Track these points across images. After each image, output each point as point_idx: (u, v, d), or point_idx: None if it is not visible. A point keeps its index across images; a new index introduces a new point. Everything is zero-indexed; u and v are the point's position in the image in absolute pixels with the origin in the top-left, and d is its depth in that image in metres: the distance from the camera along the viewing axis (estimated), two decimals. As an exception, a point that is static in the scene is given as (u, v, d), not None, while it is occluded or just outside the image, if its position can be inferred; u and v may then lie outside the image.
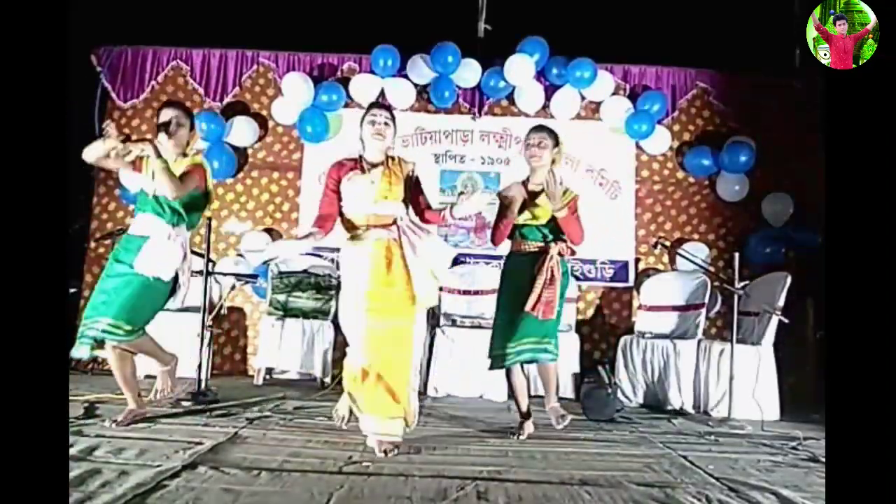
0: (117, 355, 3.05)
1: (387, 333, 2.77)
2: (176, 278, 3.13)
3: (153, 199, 3.09)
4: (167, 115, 3.15)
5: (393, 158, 3.01)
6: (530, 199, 3.29)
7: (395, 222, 2.90)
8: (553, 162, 3.28)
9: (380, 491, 2.13)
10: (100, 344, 2.97)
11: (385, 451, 2.65)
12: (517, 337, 3.20)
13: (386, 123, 2.93)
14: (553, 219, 3.22)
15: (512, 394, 3.42)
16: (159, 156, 2.95)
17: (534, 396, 3.63)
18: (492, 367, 3.32)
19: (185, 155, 3.21)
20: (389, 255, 2.84)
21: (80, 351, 2.94)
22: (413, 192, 3.03)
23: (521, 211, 3.28)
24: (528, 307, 3.13)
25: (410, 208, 3.02)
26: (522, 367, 3.35)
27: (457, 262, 5.69)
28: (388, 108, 3.01)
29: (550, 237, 3.25)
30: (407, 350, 2.82)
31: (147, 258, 3.02)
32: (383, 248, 2.84)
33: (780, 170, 5.82)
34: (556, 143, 3.30)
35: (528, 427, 3.24)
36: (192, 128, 3.24)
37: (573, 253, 3.30)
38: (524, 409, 3.32)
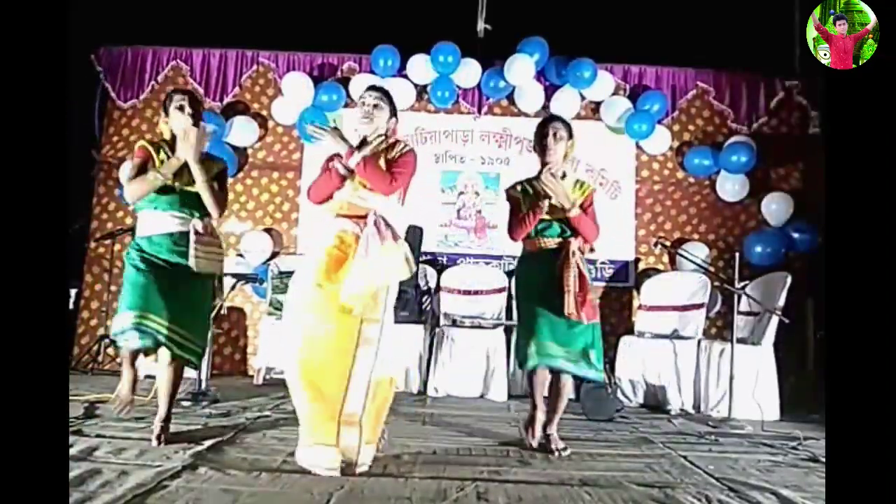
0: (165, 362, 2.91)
1: (320, 338, 2.38)
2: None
3: (178, 193, 2.85)
4: (190, 105, 2.90)
5: (388, 140, 2.66)
6: (545, 196, 2.98)
7: (366, 216, 2.52)
8: (565, 156, 3.06)
9: (380, 491, 2.13)
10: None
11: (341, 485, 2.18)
12: (562, 341, 2.90)
13: (375, 105, 2.62)
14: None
15: (534, 397, 3.02)
16: (200, 169, 2.79)
17: (521, 396, 3.57)
18: (536, 364, 2.92)
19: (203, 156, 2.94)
20: (345, 251, 2.49)
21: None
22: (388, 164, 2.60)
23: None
24: (568, 311, 2.83)
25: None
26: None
27: (456, 262, 5.70)
28: (381, 90, 2.70)
29: (569, 232, 2.99)
30: (340, 363, 2.37)
31: (200, 255, 2.83)
32: (342, 241, 2.51)
33: (780, 170, 5.82)
34: (571, 136, 3.07)
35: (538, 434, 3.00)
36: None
37: (592, 250, 3.09)
38: (541, 404, 3.01)
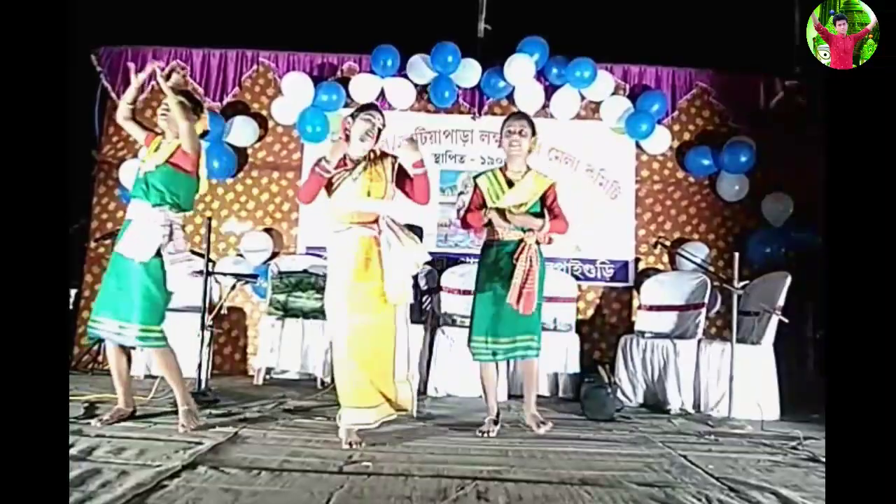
0: (113, 351, 3.11)
1: (365, 328, 2.88)
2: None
3: (141, 180, 3.05)
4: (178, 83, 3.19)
5: (375, 153, 3.06)
6: (509, 187, 3.28)
7: (377, 220, 2.96)
8: (528, 151, 3.31)
9: (380, 491, 2.13)
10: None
11: (350, 444, 2.73)
12: (506, 332, 3.22)
13: (379, 129, 3.00)
14: (536, 205, 3.25)
15: (484, 390, 3.38)
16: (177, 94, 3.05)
17: (521, 396, 3.62)
18: (478, 359, 3.33)
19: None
20: (370, 251, 2.92)
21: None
22: (400, 181, 3.07)
23: (498, 195, 3.27)
24: (509, 300, 3.11)
25: (401, 195, 3.08)
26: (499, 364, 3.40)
27: (456, 261, 5.69)
28: (379, 110, 3.07)
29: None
30: (387, 343, 2.93)
31: (127, 240, 3.01)
32: (365, 245, 2.92)
33: (780, 170, 5.82)
34: (534, 133, 3.33)
35: (495, 429, 3.21)
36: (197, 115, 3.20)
37: (550, 241, 3.26)
38: (495, 407, 3.31)
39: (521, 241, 3.18)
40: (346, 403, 2.87)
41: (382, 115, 3.05)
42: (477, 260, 3.50)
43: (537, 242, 3.18)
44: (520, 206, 3.25)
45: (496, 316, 3.23)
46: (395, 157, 3.09)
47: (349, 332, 2.87)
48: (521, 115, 3.39)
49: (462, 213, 3.37)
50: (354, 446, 2.72)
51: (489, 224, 3.28)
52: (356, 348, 2.86)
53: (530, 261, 3.12)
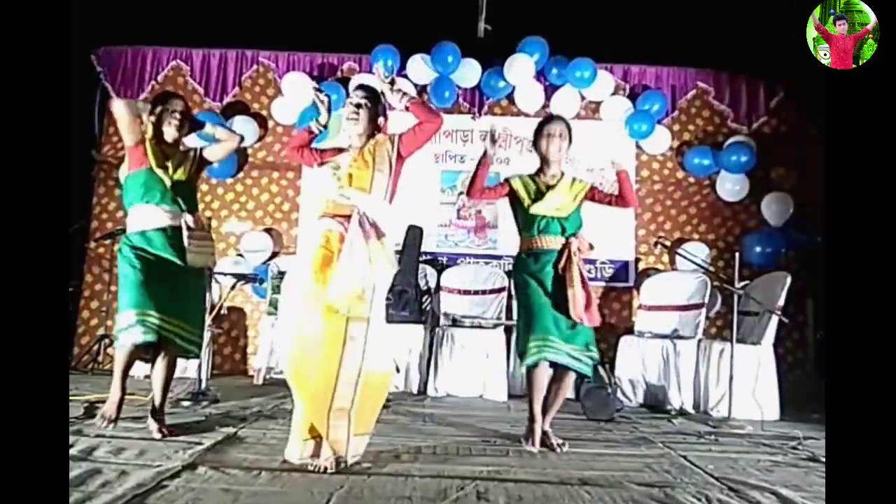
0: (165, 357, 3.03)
1: (309, 338, 2.40)
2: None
3: (169, 188, 2.97)
4: (179, 107, 3.07)
5: (372, 138, 2.67)
6: (546, 192, 3.05)
7: (350, 215, 2.53)
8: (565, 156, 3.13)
9: (380, 491, 2.13)
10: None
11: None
12: (566, 338, 2.91)
13: (360, 105, 2.64)
14: (577, 212, 3.07)
15: (530, 394, 2.99)
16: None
17: (521, 396, 3.59)
18: (531, 361, 2.91)
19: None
20: (331, 250, 2.49)
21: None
22: (407, 144, 2.69)
23: (536, 199, 3.04)
24: (574, 314, 2.87)
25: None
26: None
27: (456, 262, 5.70)
28: (368, 89, 2.72)
29: (569, 231, 3.03)
30: (328, 361, 2.39)
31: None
32: (326, 242, 2.52)
33: (779, 170, 5.82)
34: (571, 138, 3.12)
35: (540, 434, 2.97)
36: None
37: (592, 248, 3.10)
38: (540, 415, 2.98)
39: (566, 247, 2.98)
40: (293, 435, 2.50)
41: (370, 91, 2.70)
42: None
43: (578, 250, 3.00)
44: (559, 212, 3.04)
45: (560, 323, 2.93)
46: (395, 136, 2.68)
47: (292, 342, 2.44)
48: (560, 118, 3.14)
49: (476, 188, 3.05)
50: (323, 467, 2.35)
51: (528, 228, 3.05)
52: (298, 361, 2.41)
53: (579, 267, 2.95)
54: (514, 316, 3.20)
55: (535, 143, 3.13)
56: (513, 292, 3.35)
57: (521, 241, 3.11)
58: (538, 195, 3.05)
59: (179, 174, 2.99)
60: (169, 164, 2.97)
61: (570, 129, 3.12)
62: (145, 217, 2.96)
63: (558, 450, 2.88)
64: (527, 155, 5.70)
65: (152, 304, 2.82)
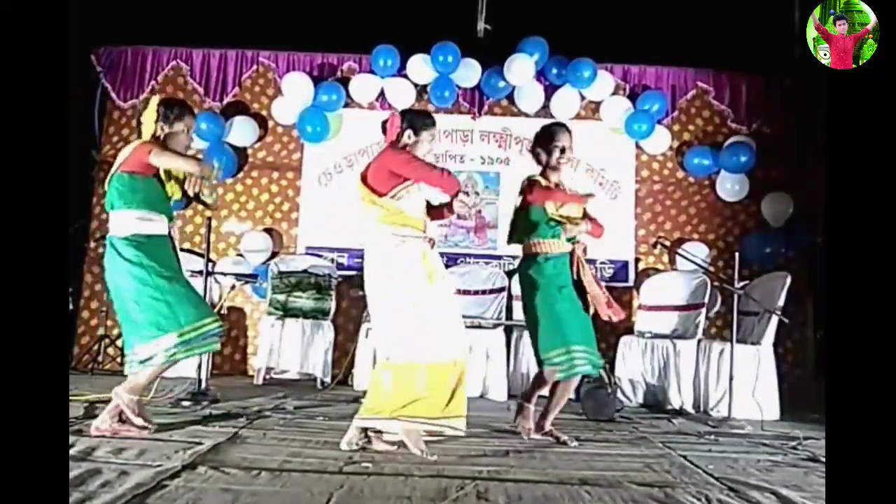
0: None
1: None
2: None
3: (169, 203, 3.06)
4: (186, 122, 3.06)
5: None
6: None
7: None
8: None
9: (380, 491, 2.13)
10: None
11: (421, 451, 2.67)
12: (586, 341, 3.06)
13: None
14: (583, 216, 3.18)
15: (556, 404, 3.18)
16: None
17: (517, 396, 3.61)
18: (565, 376, 3.07)
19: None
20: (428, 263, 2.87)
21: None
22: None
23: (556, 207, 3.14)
24: (602, 313, 3.07)
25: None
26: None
27: (456, 262, 5.70)
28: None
29: (575, 237, 3.15)
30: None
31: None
32: (428, 256, 2.89)
33: (780, 170, 5.82)
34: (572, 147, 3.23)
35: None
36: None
37: (585, 252, 3.21)
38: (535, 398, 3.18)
39: (574, 251, 3.12)
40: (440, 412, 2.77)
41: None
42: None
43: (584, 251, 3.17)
44: (574, 218, 3.15)
45: (583, 326, 3.08)
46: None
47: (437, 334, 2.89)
48: (567, 129, 3.22)
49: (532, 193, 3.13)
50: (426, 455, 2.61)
51: (537, 233, 3.12)
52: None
53: (586, 268, 3.11)
54: (521, 316, 3.31)
55: (542, 151, 3.19)
56: (518, 293, 3.47)
57: (531, 244, 3.14)
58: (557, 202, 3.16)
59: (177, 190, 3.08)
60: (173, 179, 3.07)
61: (571, 138, 3.22)
62: (141, 223, 2.93)
63: (570, 442, 3.02)
64: (527, 155, 5.69)
65: (182, 320, 2.84)
